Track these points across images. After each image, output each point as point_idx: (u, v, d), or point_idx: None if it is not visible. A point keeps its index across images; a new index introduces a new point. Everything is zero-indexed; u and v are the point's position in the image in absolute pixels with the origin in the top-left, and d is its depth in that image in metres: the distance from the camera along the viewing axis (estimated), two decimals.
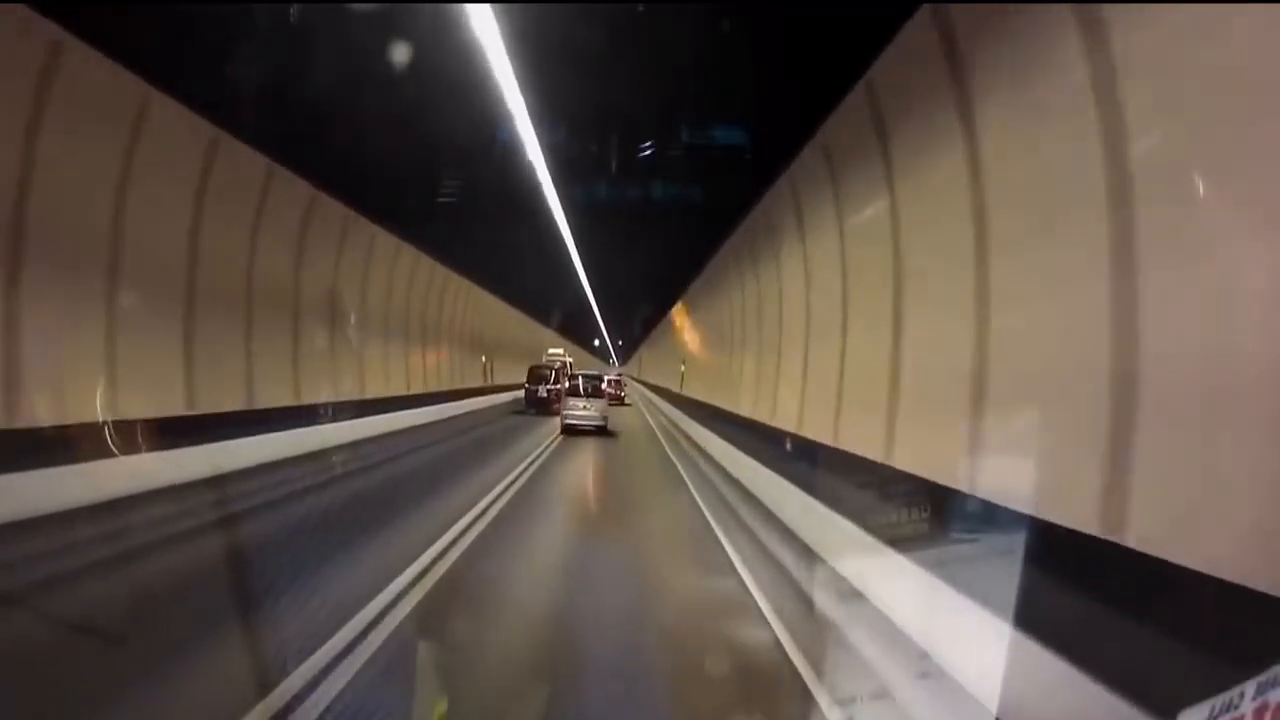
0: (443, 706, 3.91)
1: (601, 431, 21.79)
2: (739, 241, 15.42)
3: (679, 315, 29.64)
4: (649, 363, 51.99)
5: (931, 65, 5.76)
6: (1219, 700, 1.36)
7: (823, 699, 4.19)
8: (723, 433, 15.08)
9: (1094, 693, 2.79)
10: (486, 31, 7.22)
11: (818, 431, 9.39)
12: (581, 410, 21.92)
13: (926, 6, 5.73)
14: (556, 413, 24.15)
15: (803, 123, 8.94)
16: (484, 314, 32.84)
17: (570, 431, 21.37)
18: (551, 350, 38.94)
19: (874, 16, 6.22)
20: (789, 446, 10.05)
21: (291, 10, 6.83)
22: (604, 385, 23.81)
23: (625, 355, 68.79)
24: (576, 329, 48.86)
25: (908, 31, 6.10)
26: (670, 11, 6.82)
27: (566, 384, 26.90)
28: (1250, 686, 1.31)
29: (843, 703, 4.04)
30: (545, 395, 29.17)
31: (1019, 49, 4.75)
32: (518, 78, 8.30)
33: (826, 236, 9.50)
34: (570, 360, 35.64)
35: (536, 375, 30.76)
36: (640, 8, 6.83)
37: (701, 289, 22.28)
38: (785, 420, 11.20)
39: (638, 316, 41.05)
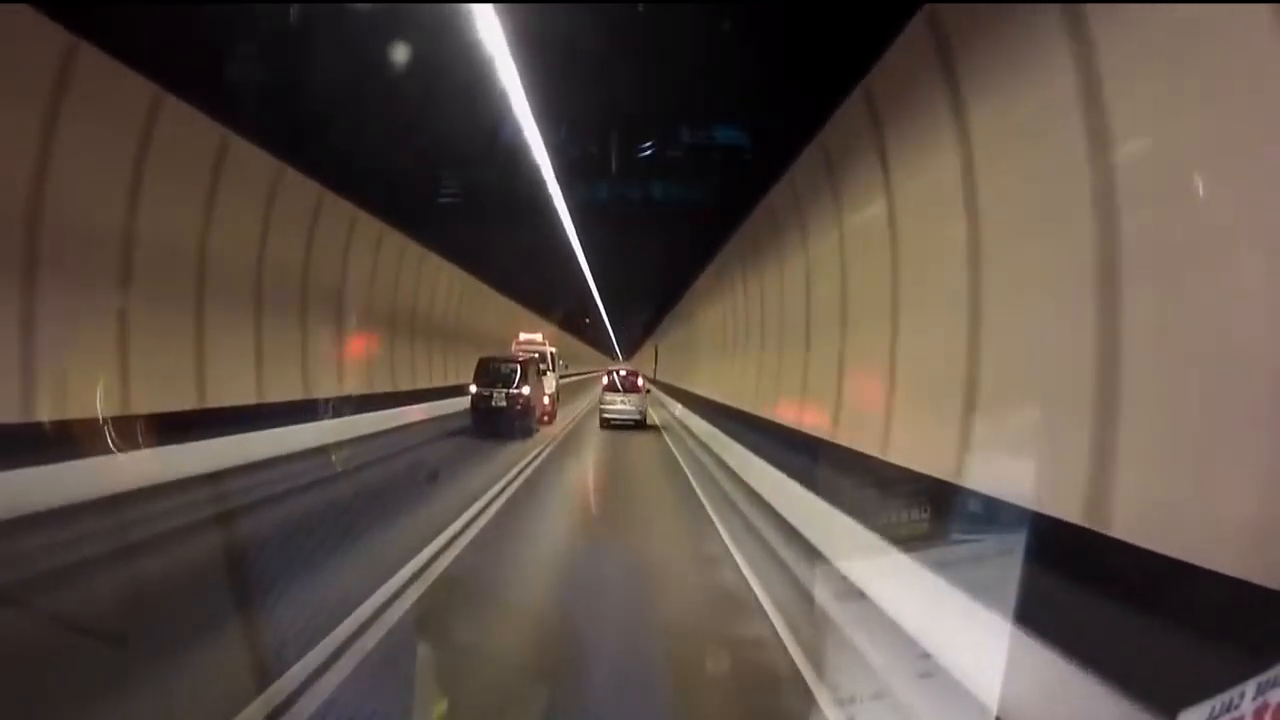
0: (443, 707, 3.90)
1: (640, 426, 21.42)
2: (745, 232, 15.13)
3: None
4: (670, 358, 37.83)
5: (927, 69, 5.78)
6: (1219, 700, 1.36)
7: None
8: None
9: (1093, 689, 2.79)
10: (490, 32, 7.25)
11: None
12: (620, 405, 21.63)
13: (926, 8, 5.77)
14: (526, 432, 17.90)
15: (805, 120, 8.97)
16: (454, 294, 24.68)
17: (608, 426, 21.11)
18: (525, 335, 26.51)
19: (874, 15, 6.25)
20: None
21: (292, 11, 6.86)
22: (640, 381, 22.58)
23: (631, 349, 63.10)
24: (578, 320, 42.04)
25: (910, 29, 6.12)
26: (671, 12, 6.84)
27: (548, 387, 21.92)
28: (1250, 686, 1.32)
29: (842, 702, 4.03)
30: (504, 405, 17.76)
31: (1013, 52, 4.80)
32: (521, 77, 8.36)
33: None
34: (553, 350, 25.57)
35: (493, 373, 18.28)
36: (640, 8, 6.85)
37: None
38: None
39: (644, 310, 37.27)
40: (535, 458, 14.42)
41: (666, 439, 19.46)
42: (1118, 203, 3.80)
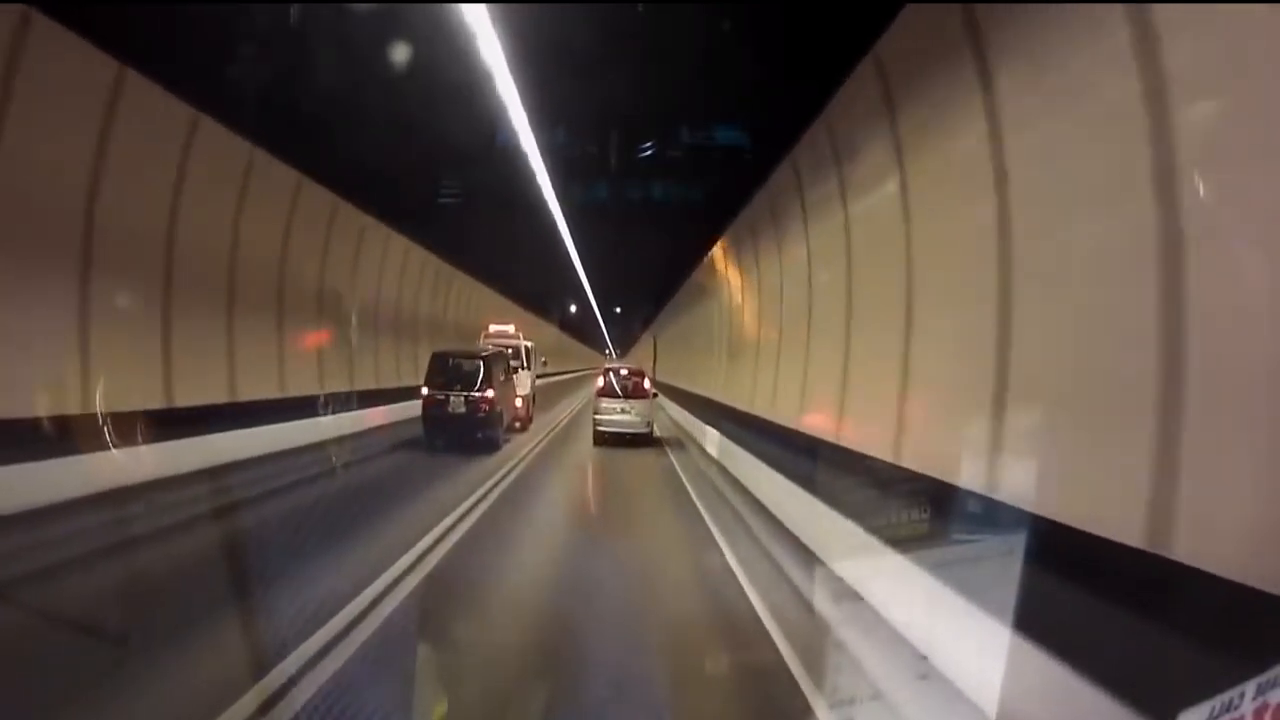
0: (443, 707, 3.90)
1: (646, 441, 16.49)
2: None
3: None
4: (672, 354, 31.55)
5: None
6: (1219, 700, 1.37)
7: None
8: None
9: (1088, 691, 2.80)
10: (484, 31, 7.29)
11: None
12: (619, 415, 16.57)
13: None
14: (491, 445, 14.53)
15: (794, 121, 9.09)
16: (438, 285, 21.92)
17: (604, 441, 16.34)
18: (495, 327, 22.48)
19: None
20: None
21: (292, 12, 6.89)
22: (646, 384, 17.39)
23: (626, 345, 57.88)
24: (568, 313, 38.53)
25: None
26: (669, 12, 6.88)
27: (521, 388, 18.29)
28: (1250, 687, 1.32)
29: (840, 704, 4.03)
30: (464, 412, 14.37)
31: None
32: (514, 77, 8.42)
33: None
34: (529, 344, 21.42)
35: (450, 372, 14.82)
36: (640, 8, 6.90)
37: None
38: None
39: (639, 302, 33.93)
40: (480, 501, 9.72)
41: (677, 468, 13.99)
42: (1151, 193, 3.68)
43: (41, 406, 7.79)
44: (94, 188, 8.42)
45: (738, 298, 16.14)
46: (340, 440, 13.77)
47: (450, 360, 15.12)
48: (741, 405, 13.92)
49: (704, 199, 13.95)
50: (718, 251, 17.69)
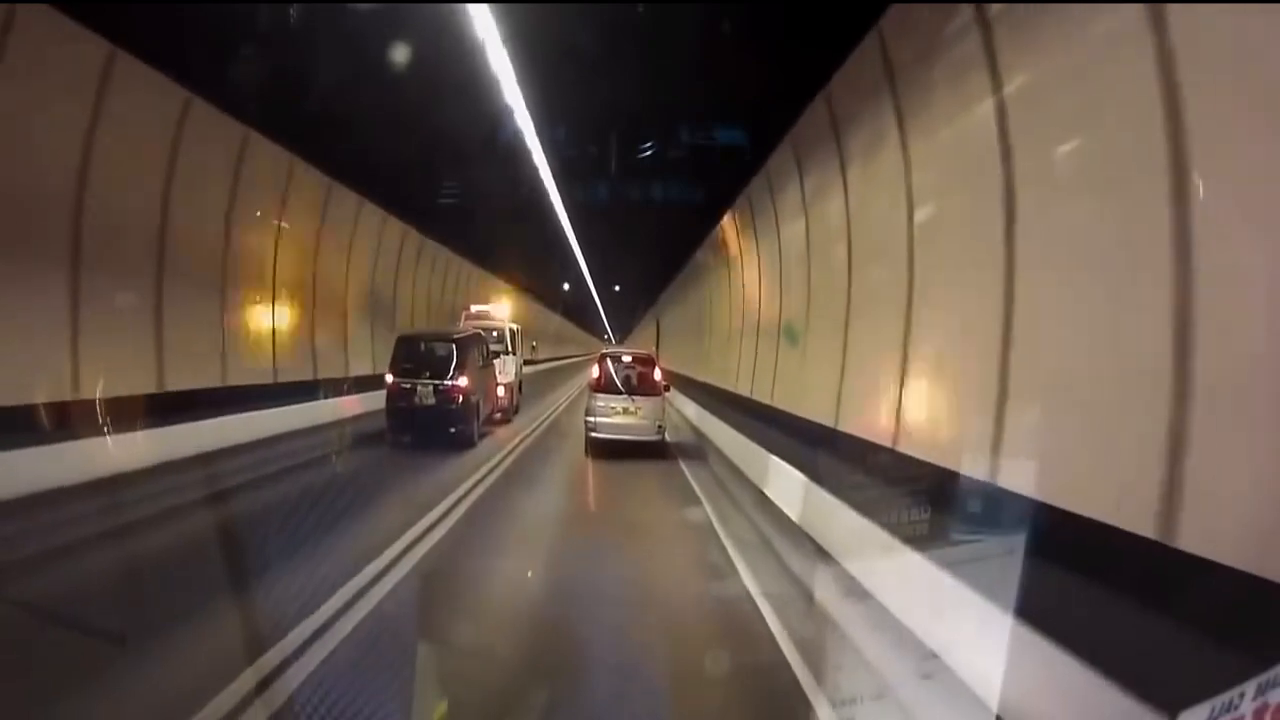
0: (443, 707, 3.89)
1: (655, 451, 12.47)
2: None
3: None
4: (679, 337, 27.98)
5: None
6: (1219, 700, 1.36)
7: None
8: None
9: (1090, 681, 2.77)
10: (488, 32, 7.41)
11: None
12: (620, 418, 12.49)
13: None
14: (464, 442, 12.50)
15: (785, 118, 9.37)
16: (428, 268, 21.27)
17: (599, 451, 12.37)
18: (476, 308, 20.36)
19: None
20: None
21: (292, 12, 6.95)
22: (658, 375, 13.04)
23: (625, 328, 52.93)
24: (560, 292, 35.42)
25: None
26: (669, 12, 6.91)
27: (503, 375, 16.05)
28: (1250, 687, 1.31)
29: (842, 704, 4.01)
30: (433, 403, 12.48)
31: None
32: (518, 76, 8.62)
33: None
34: (514, 327, 19.10)
35: (419, 358, 12.92)
36: (640, 8, 6.93)
37: None
38: None
39: (641, 277, 30.42)
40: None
41: (719, 534, 7.77)
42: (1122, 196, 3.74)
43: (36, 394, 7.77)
44: (84, 175, 8.50)
45: (802, 262, 11.52)
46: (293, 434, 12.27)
47: (420, 344, 13.20)
48: (815, 415, 10.01)
49: (698, 216, 14.06)
50: (756, 200, 13.81)
